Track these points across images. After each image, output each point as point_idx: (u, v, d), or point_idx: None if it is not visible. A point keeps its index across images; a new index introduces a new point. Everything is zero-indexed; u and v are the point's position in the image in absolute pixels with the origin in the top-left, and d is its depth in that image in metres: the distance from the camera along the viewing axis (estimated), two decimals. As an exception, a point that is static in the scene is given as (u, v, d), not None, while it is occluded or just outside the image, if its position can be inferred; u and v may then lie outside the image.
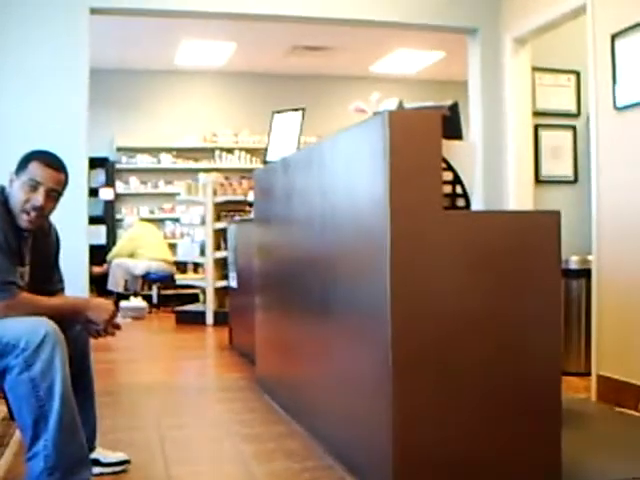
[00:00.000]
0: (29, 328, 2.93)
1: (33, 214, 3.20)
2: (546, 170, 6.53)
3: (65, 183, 3.31)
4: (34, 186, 3.18)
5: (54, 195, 3.26)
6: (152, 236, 11.30)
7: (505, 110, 6.67)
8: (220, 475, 3.67)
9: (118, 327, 3.44)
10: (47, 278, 3.49)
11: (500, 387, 3.15)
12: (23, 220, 3.20)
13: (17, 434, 3.93)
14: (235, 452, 3.96)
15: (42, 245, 3.43)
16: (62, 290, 3.58)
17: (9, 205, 3.18)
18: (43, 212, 3.24)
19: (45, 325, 2.95)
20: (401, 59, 11.68)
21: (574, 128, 6.57)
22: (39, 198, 3.18)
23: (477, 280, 3.13)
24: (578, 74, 6.53)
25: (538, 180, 6.51)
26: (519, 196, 6.49)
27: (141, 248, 10.96)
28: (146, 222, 11.65)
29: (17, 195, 3.19)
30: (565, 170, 6.57)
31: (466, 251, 3.12)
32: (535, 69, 6.60)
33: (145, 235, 11.17)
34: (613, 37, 4.99)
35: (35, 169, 3.20)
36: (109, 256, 11.12)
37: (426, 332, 3.06)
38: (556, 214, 3.26)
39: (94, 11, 6.24)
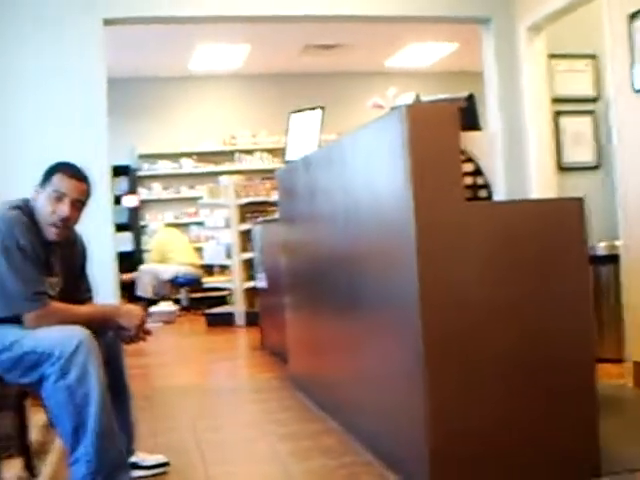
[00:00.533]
0: (63, 336, 2.98)
1: (60, 225, 3.24)
2: (568, 157, 6.51)
3: (89, 193, 3.35)
4: (59, 197, 3.23)
5: (79, 205, 3.30)
6: (179, 241, 11.39)
7: (523, 99, 6.65)
8: (257, 475, 3.69)
9: (149, 332, 3.48)
10: (75, 287, 3.53)
11: (534, 374, 3.15)
12: (51, 232, 3.24)
13: (58, 440, 3.98)
14: (271, 451, 3.99)
15: (69, 255, 3.47)
16: (90, 299, 3.62)
17: (35, 217, 3.23)
18: (69, 223, 3.29)
19: (78, 333, 3.00)
20: (415, 52, 11.68)
21: (594, 113, 6.55)
22: (65, 209, 3.22)
23: (503, 269, 3.14)
24: (596, 58, 6.50)
25: (560, 167, 6.49)
26: (542, 184, 6.47)
27: (170, 253, 11.06)
28: (171, 227, 11.73)
29: (43, 207, 3.23)
30: (587, 156, 6.55)
31: (490, 241, 3.13)
32: (551, 56, 6.57)
33: (172, 240, 11.27)
34: (631, 17, 4.91)
35: (59, 181, 3.25)
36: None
37: (455, 322, 3.08)
38: (579, 200, 3.26)
39: (107, 22, 6.29)
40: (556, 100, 6.54)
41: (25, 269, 3.08)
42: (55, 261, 3.34)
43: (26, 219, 3.17)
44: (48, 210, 3.22)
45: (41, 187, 3.27)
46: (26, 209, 3.22)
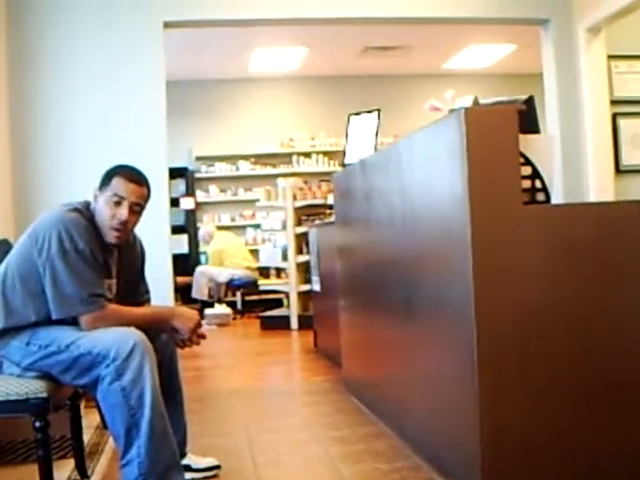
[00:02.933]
0: (118, 338, 2.99)
1: (120, 229, 3.26)
2: (626, 159, 6.42)
3: (147, 197, 3.35)
4: (118, 201, 3.23)
5: (137, 209, 3.30)
6: (235, 246, 11.46)
7: (582, 100, 6.57)
8: (309, 477, 3.68)
9: (203, 336, 3.49)
10: (134, 290, 3.55)
11: (593, 381, 3.09)
12: (111, 236, 3.25)
13: (111, 441, 4.01)
14: (323, 454, 3.98)
15: (128, 257, 3.49)
16: (148, 301, 3.63)
17: (94, 220, 3.25)
18: (127, 226, 3.30)
19: (134, 335, 3.01)
20: (474, 54, 11.61)
21: (654, 114, 6.46)
22: (124, 213, 3.23)
23: (560, 273, 3.09)
24: (656, 59, 6.41)
25: (619, 170, 6.40)
26: (600, 187, 6.38)
27: (228, 259, 11.13)
28: (224, 231, 11.78)
29: (103, 210, 3.25)
30: (646, 158, 6.46)
31: (548, 245, 3.08)
32: (610, 57, 6.49)
33: (229, 246, 11.33)
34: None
35: (118, 184, 3.26)
36: None
37: (510, 327, 3.03)
38: (639, 204, 3.21)
39: (168, 25, 6.35)
40: (614, 102, 6.45)
41: (83, 271, 3.09)
42: (113, 263, 3.37)
43: (85, 222, 3.19)
44: (108, 214, 3.24)
45: (100, 190, 3.28)
46: (86, 212, 3.25)
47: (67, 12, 6.15)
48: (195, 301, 10.97)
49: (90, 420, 4.43)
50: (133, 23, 6.26)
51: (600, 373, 3.10)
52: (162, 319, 3.39)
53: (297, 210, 9.61)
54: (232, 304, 11.21)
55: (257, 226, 12.14)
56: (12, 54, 6.03)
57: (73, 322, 3.10)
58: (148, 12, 6.27)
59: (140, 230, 3.54)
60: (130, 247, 3.51)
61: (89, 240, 3.15)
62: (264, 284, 11.12)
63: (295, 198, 9.60)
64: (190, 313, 3.45)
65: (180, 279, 10.38)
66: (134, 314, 3.26)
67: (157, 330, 3.36)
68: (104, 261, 3.26)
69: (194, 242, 12.24)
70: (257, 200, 10.84)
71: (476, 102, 3.50)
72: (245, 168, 12.54)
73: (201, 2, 6.38)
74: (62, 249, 3.07)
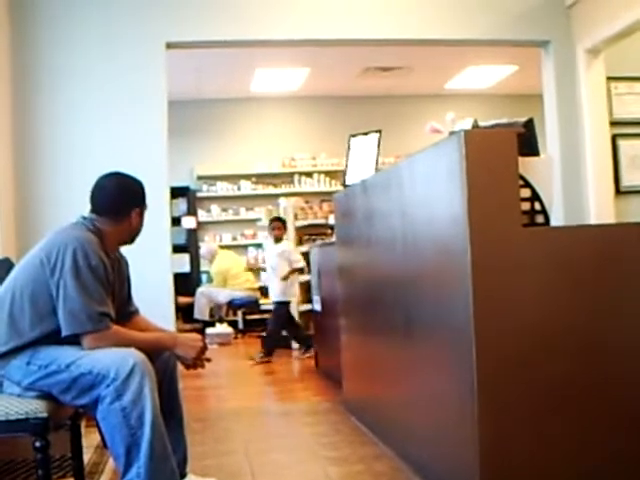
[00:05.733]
0: (118, 359, 3.00)
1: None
2: (627, 180, 6.43)
3: None
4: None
5: None
6: (237, 266, 11.46)
7: (582, 122, 6.58)
8: (309, 498, 3.69)
9: (208, 360, 3.51)
10: (125, 301, 3.58)
11: (594, 405, 3.09)
12: (117, 248, 3.41)
13: (111, 461, 4.01)
14: (323, 475, 3.97)
15: (120, 269, 3.51)
16: (137, 311, 3.68)
17: (102, 237, 3.29)
18: None
19: (134, 355, 3.02)
20: (474, 75, 11.64)
21: (653, 136, 6.47)
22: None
23: (560, 296, 3.10)
24: (655, 80, 6.44)
25: (619, 191, 6.41)
26: (600, 208, 6.38)
27: (230, 279, 11.15)
28: (226, 250, 11.77)
29: (138, 225, 3.42)
30: (645, 179, 6.47)
31: (547, 267, 3.10)
32: (610, 78, 6.52)
33: (232, 266, 11.34)
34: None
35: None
36: None
37: (510, 349, 3.04)
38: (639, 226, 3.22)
39: (170, 45, 6.37)
40: (614, 123, 6.47)
41: (93, 289, 3.11)
42: (114, 280, 3.38)
43: (97, 239, 3.23)
44: (139, 229, 3.41)
45: (139, 207, 3.41)
46: (94, 229, 3.29)
47: (70, 30, 6.17)
48: (197, 320, 10.97)
49: (90, 440, 4.43)
50: (136, 43, 6.28)
51: (600, 395, 3.10)
52: (165, 347, 3.41)
53: (298, 230, 9.62)
54: (233, 323, 11.21)
55: (258, 245, 12.15)
56: (15, 71, 6.05)
57: (74, 342, 3.10)
58: (151, 32, 6.29)
59: (141, 249, 3.57)
60: (119, 259, 3.53)
61: (102, 258, 3.19)
62: (266, 303, 11.10)
63: (296, 218, 9.62)
64: (193, 341, 3.45)
65: (181, 299, 10.37)
66: (137, 338, 3.26)
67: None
68: (107, 278, 3.27)
69: (195, 261, 12.23)
70: (258, 219, 10.87)
71: (476, 125, 3.53)
72: (247, 187, 12.56)
73: (203, 23, 6.41)
74: (76, 266, 3.09)
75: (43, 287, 3.12)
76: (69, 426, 3.53)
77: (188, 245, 12.23)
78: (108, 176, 3.47)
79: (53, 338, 3.10)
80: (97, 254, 3.16)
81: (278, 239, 8.80)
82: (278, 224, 8.78)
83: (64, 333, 3.08)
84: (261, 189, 12.56)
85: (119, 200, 3.38)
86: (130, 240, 3.43)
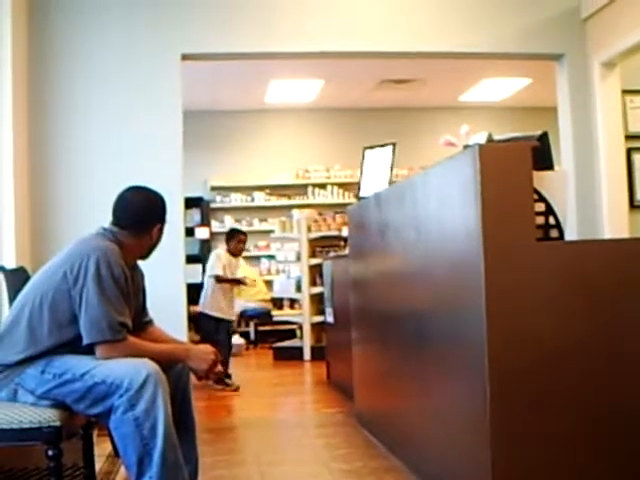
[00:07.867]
0: (132, 369, 3.01)
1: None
2: (641, 195, 6.42)
3: None
4: None
5: None
6: (249, 278, 11.44)
7: (596, 135, 6.57)
8: (321, 510, 3.68)
9: (221, 373, 3.52)
10: (140, 310, 3.58)
11: (605, 416, 3.07)
12: (135, 260, 3.43)
13: (122, 470, 4.02)
14: (335, 487, 3.97)
15: (136, 281, 3.52)
16: (151, 321, 3.68)
17: (122, 248, 3.31)
18: None
19: (147, 366, 3.03)
20: (489, 88, 11.64)
21: (668, 150, 6.46)
22: None
23: (574, 310, 3.09)
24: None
25: (633, 205, 6.39)
26: (614, 222, 6.36)
27: (242, 291, 11.13)
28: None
29: (158, 240, 3.46)
30: (660, 194, 6.45)
31: (561, 282, 3.09)
32: (625, 92, 6.51)
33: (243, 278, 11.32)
34: None
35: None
36: None
37: (523, 363, 3.03)
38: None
39: (185, 57, 6.41)
40: (629, 137, 6.46)
41: (115, 298, 3.13)
42: (131, 291, 3.39)
43: (119, 250, 3.25)
44: (157, 244, 3.46)
45: (160, 223, 3.44)
46: (115, 240, 3.31)
47: (88, 41, 6.21)
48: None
49: (102, 449, 4.43)
50: (152, 55, 6.32)
51: (615, 408, 3.09)
52: (177, 359, 3.40)
53: (311, 242, 9.63)
54: (245, 334, 11.21)
55: (271, 257, 12.15)
56: (32, 86, 6.09)
57: (89, 351, 3.11)
58: (167, 44, 6.33)
59: (155, 259, 3.57)
60: (136, 272, 3.54)
61: (123, 268, 3.21)
62: (277, 315, 11.10)
63: (310, 230, 9.63)
64: (205, 354, 3.42)
65: (194, 308, 10.38)
66: (150, 350, 3.26)
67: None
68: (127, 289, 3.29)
69: (209, 272, 12.21)
70: (272, 231, 10.88)
71: (490, 138, 3.53)
72: (260, 199, 12.58)
73: (218, 35, 6.44)
74: (98, 274, 3.11)
75: (64, 296, 3.13)
76: (81, 435, 3.55)
77: (201, 256, 12.22)
78: (132, 189, 3.48)
79: (68, 347, 3.12)
80: (119, 264, 3.18)
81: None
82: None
83: (85, 341, 3.09)
84: (274, 200, 12.58)
85: (143, 215, 3.40)
86: (147, 254, 3.46)
